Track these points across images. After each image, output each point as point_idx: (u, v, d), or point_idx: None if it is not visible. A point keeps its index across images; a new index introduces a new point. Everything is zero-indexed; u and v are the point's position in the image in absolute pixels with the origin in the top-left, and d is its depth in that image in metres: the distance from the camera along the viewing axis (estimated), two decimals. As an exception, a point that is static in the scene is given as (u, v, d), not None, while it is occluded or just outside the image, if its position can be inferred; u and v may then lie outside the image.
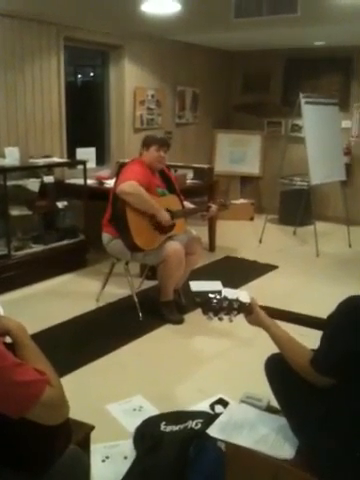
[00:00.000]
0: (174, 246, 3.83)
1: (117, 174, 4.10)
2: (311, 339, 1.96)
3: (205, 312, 2.05)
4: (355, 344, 1.71)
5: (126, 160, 5.49)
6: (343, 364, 1.75)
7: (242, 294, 2.02)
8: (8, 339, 1.51)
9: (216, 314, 2.04)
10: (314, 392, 1.85)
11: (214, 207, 4.16)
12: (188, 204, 4.25)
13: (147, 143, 3.97)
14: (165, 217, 3.82)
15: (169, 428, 2.47)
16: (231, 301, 2.06)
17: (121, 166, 4.27)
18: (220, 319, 2.06)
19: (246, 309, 2.07)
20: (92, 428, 1.94)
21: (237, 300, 2.07)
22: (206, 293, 2.09)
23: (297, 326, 2.12)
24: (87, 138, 6.09)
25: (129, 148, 6.15)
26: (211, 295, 2.07)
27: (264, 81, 7.55)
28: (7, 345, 1.46)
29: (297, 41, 6.47)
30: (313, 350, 1.88)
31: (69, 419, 1.48)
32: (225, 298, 2.07)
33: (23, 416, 1.34)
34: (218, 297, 2.06)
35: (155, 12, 4.61)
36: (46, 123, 5.26)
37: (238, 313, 2.07)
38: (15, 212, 4.64)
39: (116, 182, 3.90)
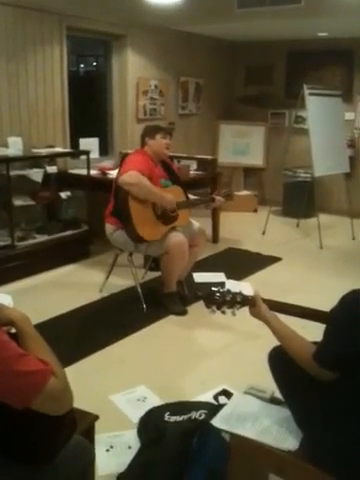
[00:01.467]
0: (178, 238, 3.82)
1: (120, 165, 4.09)
2: (313, 332, 1.96)
3: (208, 305, 2.05)
4: (356, 338, 1.71)
5: (129, 151, 5.48)
6: (345, 358, 1.75)
7: (245, 286, 2.03)
8: (12, 330, 1.51)
9: (219, 307, 2.04)
10: (317, 384, 1.85)
11: (219, 198, 4.15)
12: (191, 196, 4.23)
13: (151, 132, 3.95)
14: (170, 201, 3.79)
15: (173, 419, 2.47)
16: (234, 294, 2.06)
17: (124, 157, 4.25)
18: (223, 312, 2.06)
19: (249, 302, 2.07)
20: (96, 418, 1.94)
21: (240, 293, 2.07)
22: (209, 286, 2.09)
23: (299, 319, 2.12)
24: (90, 128, 6.07)
25: (132, 138, 6.13)
26: (214, 288, 2.06)
27: (267, 72, 7.52)
28: (11, 335, 1.46)
29: (300, 32, 6.43)
30: (314, 343, 1.87)
31: (73, 409, 1.48)
32: (228, 291, 2.06)
33: (28, 406, 1.34)
34: (221, 290, 2.05)
35: (158, 2, 4.58)
36: (49, 113, 5.25)
37: (241, 306, 2.07)
38: (18, 202, 4.64)
39: (118, 173, 3.88)
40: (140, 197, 3.72)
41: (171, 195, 3.82)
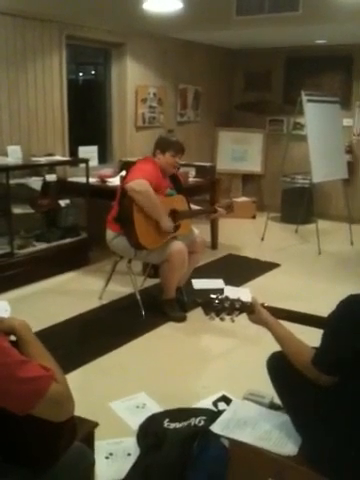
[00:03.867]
0: (178, 245, 3.83)
1: (126, 170, 4.05)
2: (311, 336, 1.96)
3: (207, 313, 2.06)
4: (356, 342, 1.72)
5: (128, 158, 5.50)
6: (344, 362, 1.76)
7: (244, 292, 2.03)
8: (13, 337, 1.52)
9: (218, 314, 2.05)
10: (316, 389, 1.86)
11: (221, 210, 4.16)
12: (194, 207, 4.23)
13: (163, 147, 3.88)
14: (167, 225, 3.80)
15: (172, 425, 2.47)
16: (233, 301, 2.06)
17: (125, 164, 4.25)
18: (222, 319, 2.06)
19: (248, 309, 2.07)
20: (96, 425, 1.95)
21: (239, 300, 2.08)
22: (208, 293, 2.10)
23: (297, 324, 2.13)
24: (89, 136, 6.09)
25: (131, 146, 6.16)
26: (213, 295, 2.07)
27: (266, 79, 7.55)
28: (12, 343, 1.47)
29: (298, 39, 6.46)
30: (314, 348, 1.88)
31: (74, 416, 1.49)
32: (227, 298, 2.07)
33: (29, 412, 1.34)
34: (219, 297, 2.06)
35: (157, 10, 4.61)
36: (48, 121, 5.27)
37: (240, 313, 2.07)
38: (18, 210, 4.65)
39: (125, 178, 3.85)
40: (142, 207, 3.70)
41: (169, 221, 3.81)
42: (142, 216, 3.74)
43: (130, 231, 3.77)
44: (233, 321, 2.07)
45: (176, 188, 4.05)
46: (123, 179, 3.93)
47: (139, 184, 3.65)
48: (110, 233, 4.00)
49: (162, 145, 3.90)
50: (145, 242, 3.77)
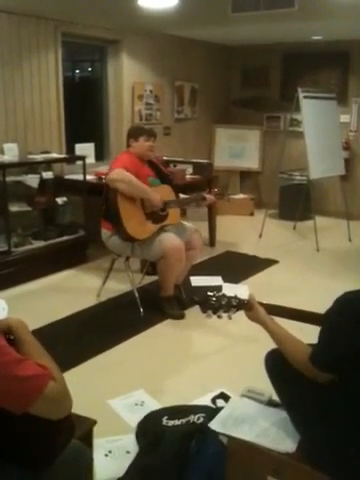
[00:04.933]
0: (174, 242, 3.83)
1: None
2: (310, 333, 1.96)
3: (204, 310, 2.06)
4: (353, 339, 1.72)
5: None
6: (341, 359, 1.75)
7: (242, 289, 2.03)
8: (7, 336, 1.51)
9: (215, 312, 2.05)
10: (314, 387, 1.86)
11: (210, 197, 4.16)
12: (184, 196, 4.24)
13: (135, 134, 3.97)
14: (156, 199, 3.82)
15: (171, 422, 2.47)
16: (229, 298, 2.06)
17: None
18: (219, 317, 2.06)
19: (245, 306, 2.07)
20: (94, 423, 1.94)
21: (235, 297, 2.08)
22: (205, 291, 2.09)
23: (295, 321, 2.13)
24: (86, 134, 6.08)
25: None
26: (209, 293, 2.07)
27: (263, 76, 7.54)
28: (10, 341, 1.46)
29: (295, 36, 6.45)
30: (310, 345, 1.88)
31: (72, 414, 1.48)
32: (223, 296, 2.07)
33: (26, 411, 1.34)
34: (216, 295, 2.06)
35: (152, 7, 4.59)
36: (44, 119, 5.25)
37: (237, 310, 2.07)
38: (15, 208, 4.65)
39: (106, 174, 3.93)
40: (127, 193, 3.73)
41: (158, 194, 3.84)
42: (128, 207, 3.77)
43: (118, 224, 3.79)
44: (230, 318, 2.07)
45: (160, 178, 4.06)
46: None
47: (117, 173, 3.72)
48: (105, 232, 4.00)
49: (134, 133, 4.00)
50: (134, 233, 3.78)
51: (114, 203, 3.75)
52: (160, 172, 4.12)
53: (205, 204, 4.24)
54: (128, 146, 4.02)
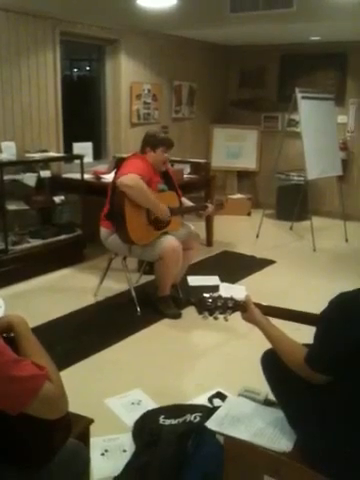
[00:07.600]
0: (172, 242, 3.83)
1: (117, 167, 4.05)
2: (307, 333, 1.97)
3: (200, 312, 2.06)
4: (347, 340, 1.72)
5: (123, 155, 5.48)
6: (337, 361, 1.76)
7: (239, 289, 2.03)
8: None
9: (211, 314, 2.05)
10: (310, 387, 1.86)
11: (211, 206, 4.18)
12: (186, 201, 4.24)
13: (154, 144, 3.88)
14: (164, 212, 3.81)
15: (168, 422, 2.48)
16: (225, 300, 2.06)
17: (119, 160, 4.24)
18: (215, 318, 2.06)
19: (241, 307, 2.07)
20: (91, 421, 1.95)
21: (231, 299, 2.08)
22: (201, 291, 2.10)
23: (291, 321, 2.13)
24: (84, 133, 6.08)
25: (126, 142, 6.15)
26: (205, 294, 2.07)
27: (260, 76, 7.55)
28: (8, 339, 1.46)
29: (293, 36, 6.46)
30: (305, 345, 1.88)
31: (68, 413, 1.49)
32: (219, 297, 2.07)
33: (22, 411, 1.34)
34: (212, 296, 2.06)
35: (151, 6, 4.59)
36: (42, 117, 5.25)
37: (233, 312, 2.07)
38: (12, 207, 4.64)
39: (116, 175, 3.86)
40: (136, 201, 3.71)
41: (165, 206, 3.82)
42: (133, 211, 3.74)
43: (121, 226, 3.77)
44: (226, 320, 2.07)
45: (167, 184, 4.05)
46: (115, 175, 3.93)
47: (131, 179, 3.65)
48: (104, 231, 4.00)
49: (153, 142, 3.90)
50: (135, 237, 3.77)
51: (120, 206, 3.73)
52: (168, 178, 4.09)
53: (206, 214, 4.24)
54: (143, 152, 3.93)
